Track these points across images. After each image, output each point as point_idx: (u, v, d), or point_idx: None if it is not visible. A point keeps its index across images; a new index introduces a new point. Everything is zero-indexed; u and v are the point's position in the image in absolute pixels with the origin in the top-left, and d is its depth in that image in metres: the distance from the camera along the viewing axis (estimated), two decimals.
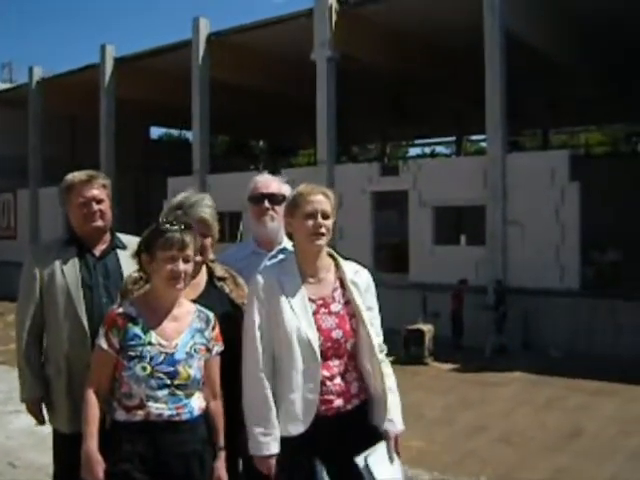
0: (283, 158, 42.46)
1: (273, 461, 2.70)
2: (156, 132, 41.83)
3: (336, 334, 2.79)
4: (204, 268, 3.00)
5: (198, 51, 22.45)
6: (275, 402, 2.74)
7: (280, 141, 40.98)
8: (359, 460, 2.75)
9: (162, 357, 2.60)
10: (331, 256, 2.98)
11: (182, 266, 2.62)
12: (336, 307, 2.85)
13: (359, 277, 2.95)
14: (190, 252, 2.66)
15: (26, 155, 29.30)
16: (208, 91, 22.79)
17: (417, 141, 44.31)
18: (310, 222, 2.78)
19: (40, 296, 3.27)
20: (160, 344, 2.62)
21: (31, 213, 29.13)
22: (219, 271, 3.07)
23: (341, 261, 2.97)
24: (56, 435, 3.31)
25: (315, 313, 2.80)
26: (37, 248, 3.49)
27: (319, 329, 2.77)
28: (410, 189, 18.27)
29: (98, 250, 3.34)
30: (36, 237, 28.34)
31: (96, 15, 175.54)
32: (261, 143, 45.96)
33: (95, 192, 3.32)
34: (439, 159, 33.47)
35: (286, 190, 3.48)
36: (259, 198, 3.41)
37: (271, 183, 3.48)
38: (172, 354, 2.62)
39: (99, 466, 2.54)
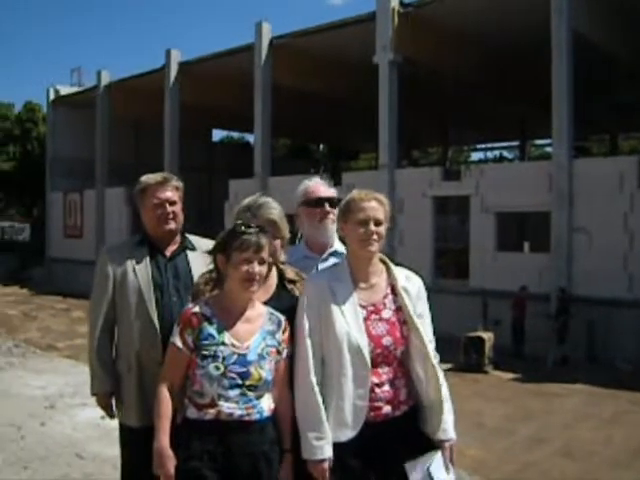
0: (344, 162, 42.50)
1: (326, 465, 2.67)
2: (218, 135, 42.43)
3: (386, 341, 2.75)
4: (274, 270, 2.99)
5: (261, 55, 22.67)
6: (325, 407, 2.71)
7: (341, 145, 41.03)
8: (418, 468, 2.71)
9: (235, 357, 2.63)
10: (383, 262, 2.94)
11: (257, 268, 2.65)
12: (387, 313, 2.80)
13: (411, 283, 2.90)
14: (265, 254, 2.68)
15: (93, 156, 30.09)
16: (270, 94, 22.96)
17: (479, 145, 43.80)
18: (362, 229, 2.75)
19: (113, 294, 3.33)
20: (233, 345, 2.65)
21: (97, 213, 29.86)
22: (290, 273, 3.05)
23: (393, 267, 2.93)
24: (123, 429, 3.37)
25: (366, 319, 2.77)
26: (110, 248, 3.53)
27: (369, 335, 2.73)
28: (472, 194, 18.04)
29: (169, 251, 3.38)
30: (101, 236, 29.04)
31: (161, 21, 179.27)
32: (321, 147, 46.11)
33: (169, 194, 3.36)
34: (502, 164, 32.95)
35: (337, 194, 3.48)
36: (318, 201, 3.37)
37: (325, 187, 3.46)
38: (244, 355, 2.65)
39: (170, 461, 2.58)
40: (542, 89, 17.42)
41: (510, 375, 13.83)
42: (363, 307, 2.78)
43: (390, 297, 2.85)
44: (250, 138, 38.53)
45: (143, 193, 3.38)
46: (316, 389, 2.71)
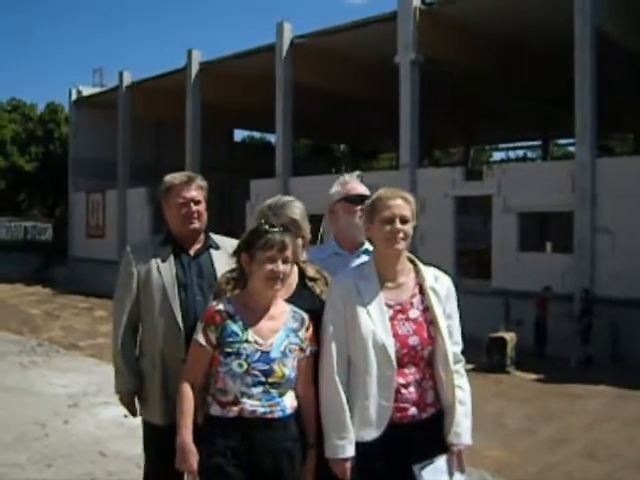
0: (364, 161, 42.43)
1: (348, 464, 2.67)
2: (239, 135, 42.52)
3: (413, 341, 2.72)
4: (295, 268, 2.98)
5: (282, 54, 22.70)
6: (349, 407, 2.70)
7: (361, 144, 40.98)
8: (415, 469, 2.69)
9: (258, 355, 2.65)
10: (411, 261, 2.91)
11: (281, 267, 2.66)
12: (414, 313, 2.78)
13: (439, 283, 2.86)
14: (289, 253, 2.70)
15: (115, 157, 30.31)
16: (291, 94, 22.99)
17: (501, 145, 43.53)
18: (388, 227, 2.73)
19: (137, 293, 3.35)
20: (256, 342, 2.66)
21: (119, 213, 30.07)
22: (310, 272, 3.04)
23: (421, 266, 2.89)
24: (147, 427, 3.39)
25: (392, 319, 2.74)
26: (135, 246, 3.52)
27: (395, 335, 2.70)
28: (494, 194, 17.93)
29: (193, 250, 3.39)
30: (123, 236, 29.22)
31: (181, 21, 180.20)
32: (342, 147, 46.07)
33: (194, 193, 3.36)
34: (524, 163, 32.70)
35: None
36: (357, 199, 3.33)
37: (362, 185, 3.44)
38: (268, 352, 2.66)
39: (194, 457, 2.61)
40: (565, 87, 17.28)
41: (533, 376, 13.73)
42: (389, 306, 2.76)
43: (418, 297, 2.81)
44: (271, 138, 38.65)
45: (168, 192, 3.39)
46: (340, 388, 2.70)
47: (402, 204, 2.78)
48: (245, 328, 2.68)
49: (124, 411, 3.46)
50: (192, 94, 26.36)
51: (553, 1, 16.94)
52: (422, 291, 2.83)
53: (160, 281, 3.29)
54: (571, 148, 41.55)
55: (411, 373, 2.73)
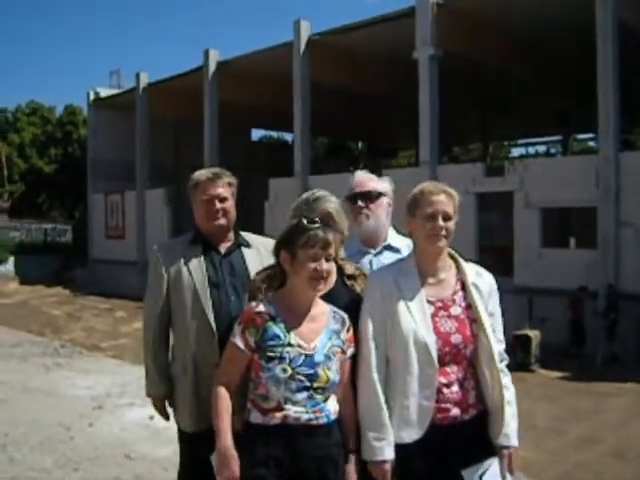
0: (383, 159, 42.26)
1: (387, 466, 2.58)
2: (256, 134, 42.49)
3: (455, 339, 2.63)
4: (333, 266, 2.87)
5: (299, 52, 22.59)
6: (389, 407, 2.61)
7: (379, 142, 40.80)
8: (468, 475, 2.60)
9: (302, 359, 2.51)
10: (452, 257, 2.82)
11: (325, 265, 2.53)
12: (456, 310, 2.69)
13: (481, 280, 2.79)
14: (332, 251, 2.56)
15: (133, 158, 30.33)
16: (309, 92, 22.89)
17: (520, 141, 43.18)
18: (430, 224, 2.64)
19: (167, 294, 3.24)
20: (299, 345, 2.53)
21: (138, 214, 30.10)
22: (349, 269, 2.93)
23: (463, 262, 2.82)
24: (180, 433, 3.31)
25: (434, 315, 2.65)
26: (162, 246, 3.44)
27: (437, 333, 2.61)
28: (516, 190, 17.73)
29: (223, 248, 3.30)
30: (142, 237, 29.28)
31: (197, 21, 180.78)
32: (360, 145, 45.91)
33: (220, 190, 3.27)
34: (546, 159, 32.40)
35: (384, 187, 3.39)
36: (353, 197, 3.33)
37: (366, 181, 3.38)
38: (312, 356, 2.53)
39: (235, 462, 2.47)
40: (586, 81, 17.05)
41: (557, 374, 13.54)
42: (431, 303, 2.67)
43: (460, 293, 2.73)
44: (289, 137, 38.60)
45: (194, 189, 3.32)
46: (378, 388, 2.61)
47: (445, 200, 2.70)
48: (287, 330, 2.54)
49: (149, 413, 3.40)
50: (209, 94, 26.32)
51: None
52: (464, 287, 2.74)
53: (191, 281, 3.19)
54: (591, 143, 41.28)
55: (453, 372, 2.63)
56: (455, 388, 2.63)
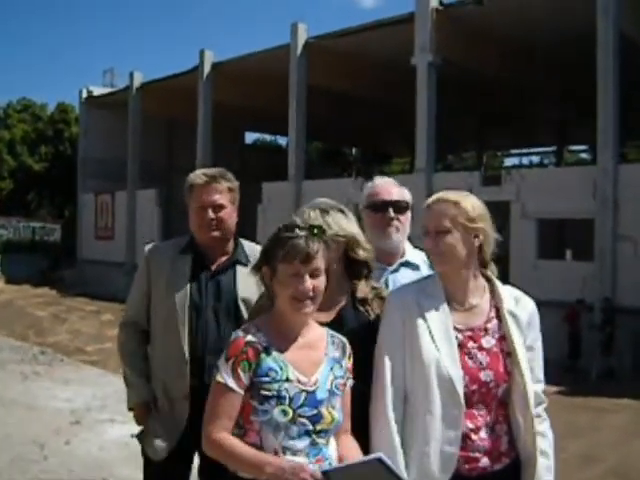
0: (377, 166, 42.05)
1: None
2: (249, 138, 42.17)
3: (485, 375, 2.23)
4: (343, 284, 2.44)
5: (296, 55, 22.31)
6: (405, 453, 2.22)
7: (374, 148, 40.60)
8: None
9: (303, 397, 2.06)
10: (487, 278, 2.42)
11: (308, 283, 2.06)
12: (488, 342, 2.29)
13: (520, 307, 2.37)
14: (320, 263, 2.09)
15: (124, 158, 29.98)
16: (305, 96, 22.61)
17: (513, 151, 43.09)
18: (425, 240, 2.32)
19: (147, 304, 2.94)
20: (299, 380, 2.07)
21: (128, 214, 29.73)
22: (362, 290, 2.47)
23: (499, 285, 2.41)
24: (146, 460, 2.95)
25: (461, 347, 2.25)
26: (154, 250, 3.06)
27: (464, 367, 2.22)
28: (513, 200, 17.49)
29: (215, 263, 2.91)
30: (132, 238, 28.93)
31: (194, 22, 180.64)
32: (354, 150, 45.69)
33: (215, 197, 2.89)
34: (544, 169, 32.24)
35: (409, 197, 3.01)
36: (381, 206, 2.90)
37: (393, 188, 2.97)
38: (313, 392, 2.08)
39: (303, 467, 1.97)
40: (584, 93, 16.85)
41: (553, 388, 13.24)
42: (459, 331, 2.28)
43: (494, 322, 2.33)
44: (282, 141, 38.31)
45: (190, 192, 2.96)
46: (395, 428, 2.22)
47: (442, 209, 2.33)
48: (284, 362, 2.08)
49: (130, 430, 3.04)
50: (204, 95, 26.00)
51: (573, 4, 16.49)
52: (499, 315, 2.34)
53: (170, 300, 2.81)
54: (583, 155, 41.26)
55: (481, 415, 2.24)
56: (484, 434, 2.23)
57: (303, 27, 22.46)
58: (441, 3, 18.96)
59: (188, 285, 2.84)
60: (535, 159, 44.54)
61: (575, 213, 16.78)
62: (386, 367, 2.26)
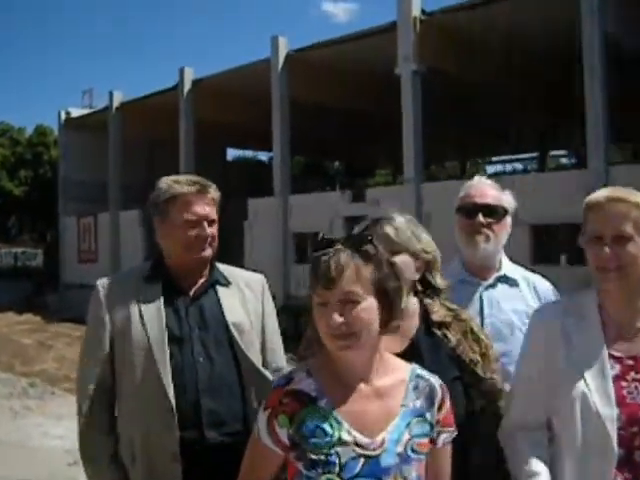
0: (360, 179, 41.89)
1: None
2: (231, 154, 41.83)
3: None
4: (415, 305, 2.05)
5: (277, 69, 22.07)
6: None
7: (356, 161, 40.42)
8: None
9: (361, 464, 1.59)
10: None
11: (336, 316, 1.58)
12: None
13: None
14: (353, 287, 1.60)
15: (106, 179, 29.57)
16: (288, 110, 22.35)
17: (494, 158, 43.15)
18: (593, 250, 1.89)
19: (110, 351, 2.30)
20: (357, 442, 1.60)
21: (111, 236, 29.26)
22: (438, 313, 2.08)
23: None
24: None
25: (618, 378, 1.82)
26: (109, 282, 2.40)
27: (620, 403, 1.78)
28: None
29: (193, 287, 2.37)
30: (117, 260, 28.48)
31: (173, 39, 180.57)
32: (336, 164, 45.50)
33: (208, 209, 2.36)
34: (535, 174, 32.22)
35: (508, 201, 2.62)
36: (471, 209, 2.57)
37: (489, 191, 2.60)
38: (377, 458, 1.60)
39: None
40: (569, 98, 16.73)
41: None
42: (616, 360, 1.85)
43: None
44: (263, 156, 37.99)
45: (169, 204, 2.36)
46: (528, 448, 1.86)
47: (622, 211, 1.85)
48: (337, 418, 1.62)
49: None
50: (185, 112, 25.70)
51: (560, 9, 16.38)
52: None
53: (143, 335, 2.25)
54: (563, 160, 41.29)
55: None
56: None
57: (284, 41, 22.24)
58: (423, 12, 18.80)
59: (163, 314, 2.30)
60: (519, 166, 44.56)
61: (567, 218, 16.50)
62: (524, 398, 1.92)
